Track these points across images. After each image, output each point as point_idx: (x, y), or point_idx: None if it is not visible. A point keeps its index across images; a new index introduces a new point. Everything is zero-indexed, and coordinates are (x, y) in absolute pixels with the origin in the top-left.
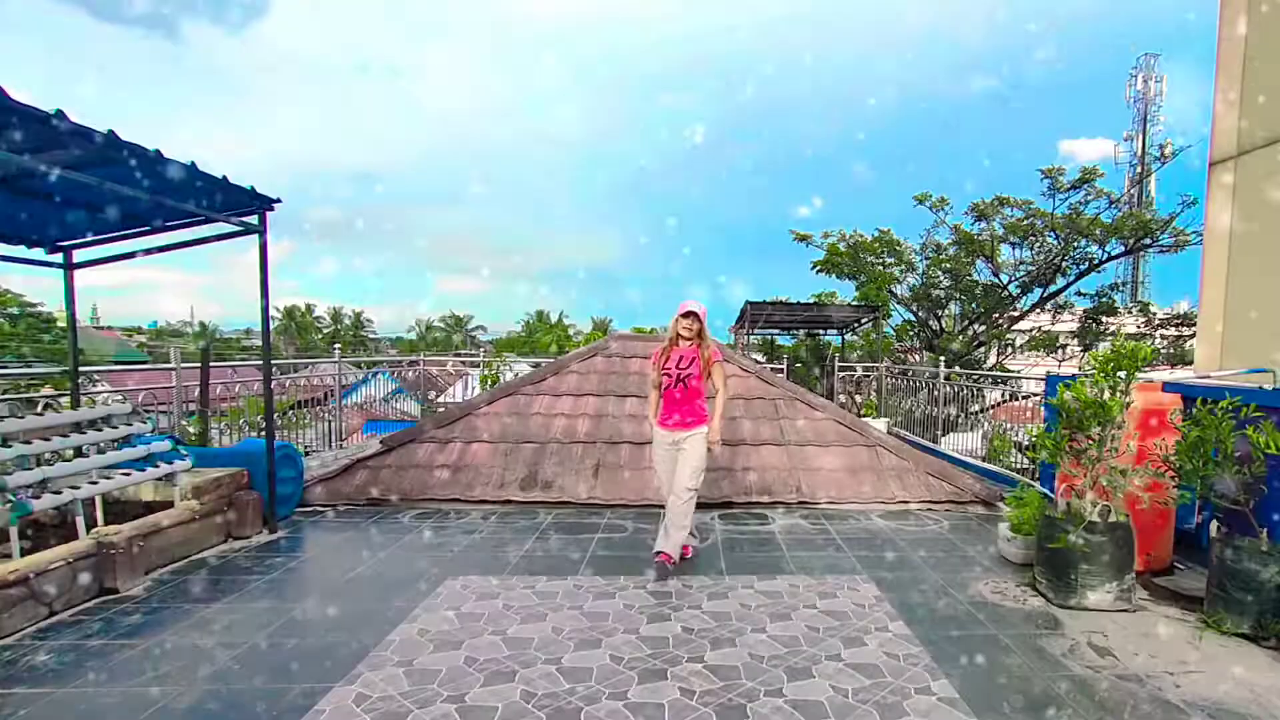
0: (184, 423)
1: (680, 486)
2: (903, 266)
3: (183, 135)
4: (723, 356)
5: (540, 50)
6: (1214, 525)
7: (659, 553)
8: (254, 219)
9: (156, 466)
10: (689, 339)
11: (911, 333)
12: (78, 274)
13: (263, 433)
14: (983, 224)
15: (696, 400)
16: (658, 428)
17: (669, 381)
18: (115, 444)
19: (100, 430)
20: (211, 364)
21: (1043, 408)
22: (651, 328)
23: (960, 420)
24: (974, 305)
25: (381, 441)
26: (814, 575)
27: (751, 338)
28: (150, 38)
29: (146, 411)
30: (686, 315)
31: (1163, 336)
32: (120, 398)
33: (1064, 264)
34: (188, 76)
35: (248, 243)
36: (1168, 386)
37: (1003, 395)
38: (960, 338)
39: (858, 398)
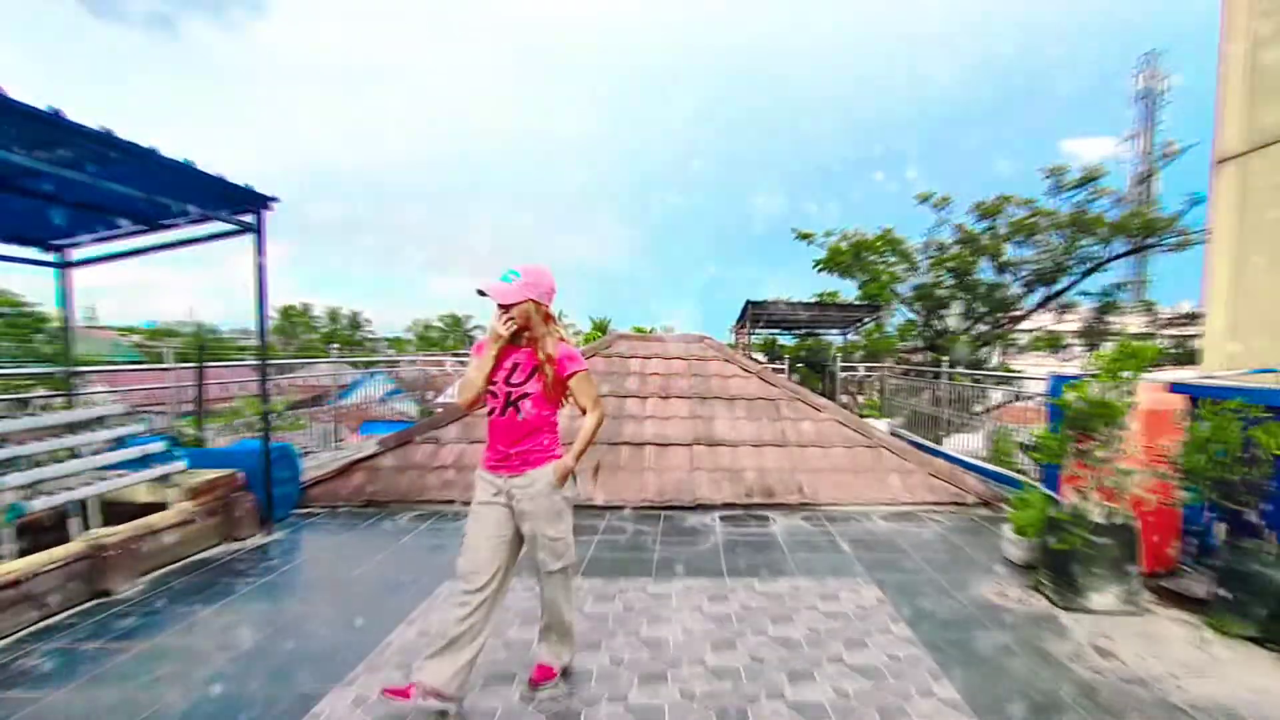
0: (179, 423)
1: (543, 570)
2: (905, 265)
3: (181, 134)
4: (584, 362)
5: (542, 50)
6: (1221, 527)
7: (540, 665)
8: (251, 218)
9: (152, 468)
10: (522, 337)
11: (914, 332)
12: (74, 273)
13: (259, 433)
14: (986, 222)
15: (539, 434)
16: (479, 469)
17: (495, 403)
18: (110, 445)
19: (95, 431)
20: (208, 364)
21: (1047, 408)
22: (652, 327)
23: (963, 421)
24: (977, 304)
25: (379, 442)
26: (816, 577)
27: (753, 337)
28: (150, 37)
29: (142, 412)
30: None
31: (1168, 336)
32: (115, 398)
33: (1068, 263)
34: (187, 75)
35: (245, 242)
36: (1173, 387)
37: (1006, 395)
38: (963, 337)
39: (860, 398)
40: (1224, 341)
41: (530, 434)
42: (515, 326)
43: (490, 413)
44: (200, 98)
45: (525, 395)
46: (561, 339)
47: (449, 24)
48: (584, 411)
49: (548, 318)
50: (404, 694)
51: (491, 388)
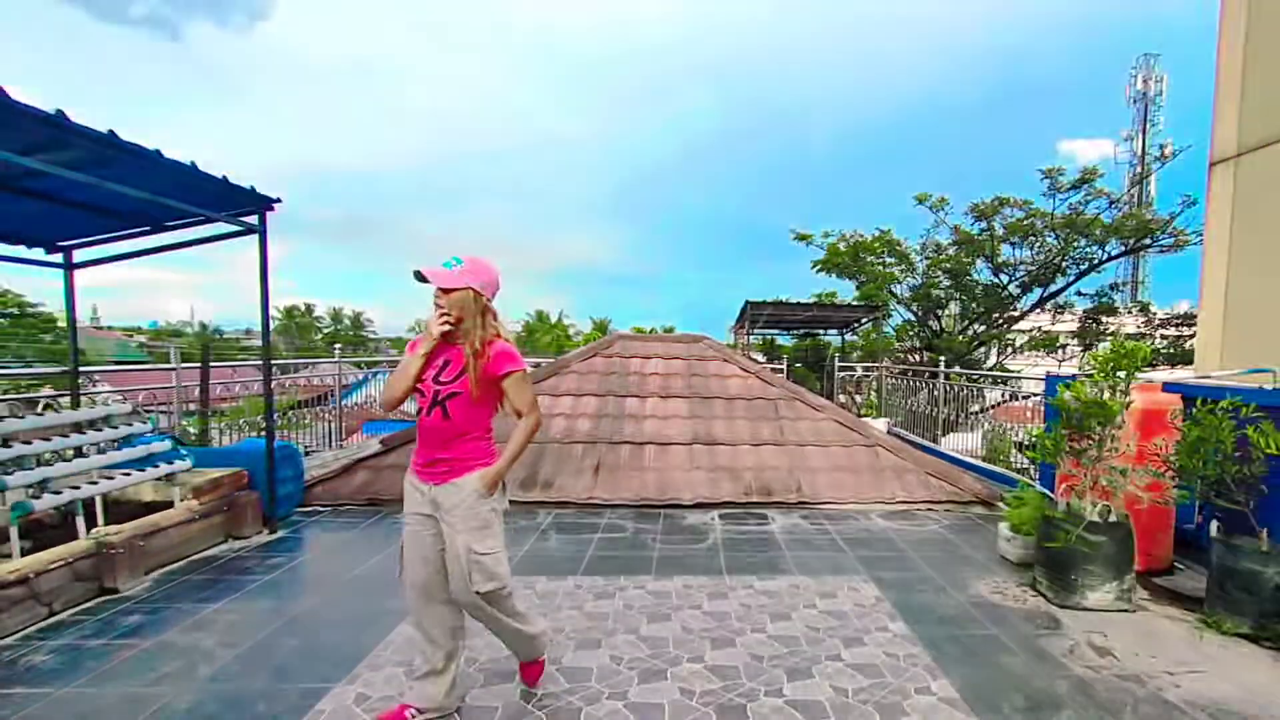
0: (184, 422)
1: (466, 599)
2: (903, 266)
3: (184, 135)
4: (522, 362)
5: (541, 51)
6: (1214, 525)
7: (522, 666)
8: (254, 219)
9: (156, 466)
10: (452, 332)
11: (912, 332)
12: (78, 274)
13: (262, 432)
14: (983, 224)
15: (467, 438)
16: (409, 473)
17: (423, 402)
18: (115, 444)
19: (100, 430)
20: (211, 363)
21: (1043, 407)
22: (652, 327)
23: (960, 420)
24: (974, 305)
25: (381, 441)
26: (814, 575)
27: (752, 337)
28: (153, 39)
29: (146, 411)
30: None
31: (1163, 336)
32: (120, 398)
33: (1064, 264)
34: (191, 77)
35: (248, 242)
36: (1167, 386)
37: (1003, 395)
38: (960, 337)
39: (858, 397)
40: (1218, 342)
41: (457, 438)
42: (450, 316)
43: (419, 413)
44: (204, 98)
45: (453, 394)
46: (499, 335)
47: (451, 24)
48: (519, 416)
49: (486, 310)
50: (398, 718)
51: (420, 385)
